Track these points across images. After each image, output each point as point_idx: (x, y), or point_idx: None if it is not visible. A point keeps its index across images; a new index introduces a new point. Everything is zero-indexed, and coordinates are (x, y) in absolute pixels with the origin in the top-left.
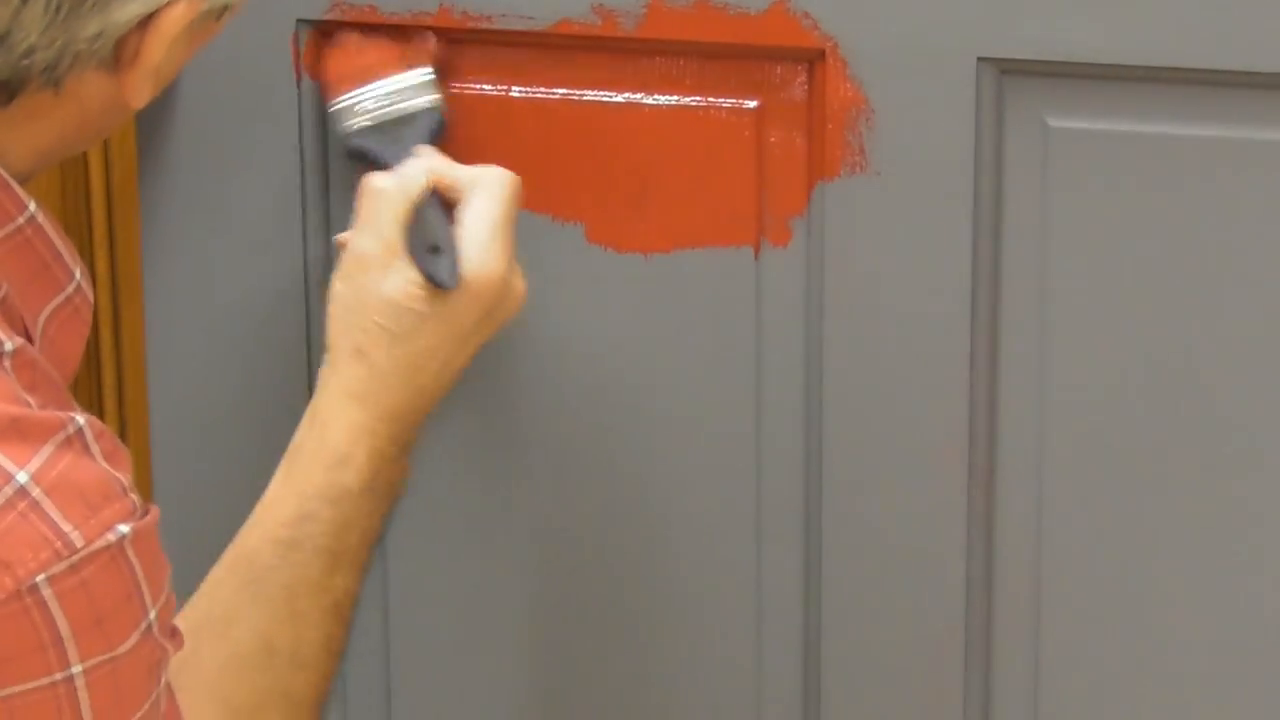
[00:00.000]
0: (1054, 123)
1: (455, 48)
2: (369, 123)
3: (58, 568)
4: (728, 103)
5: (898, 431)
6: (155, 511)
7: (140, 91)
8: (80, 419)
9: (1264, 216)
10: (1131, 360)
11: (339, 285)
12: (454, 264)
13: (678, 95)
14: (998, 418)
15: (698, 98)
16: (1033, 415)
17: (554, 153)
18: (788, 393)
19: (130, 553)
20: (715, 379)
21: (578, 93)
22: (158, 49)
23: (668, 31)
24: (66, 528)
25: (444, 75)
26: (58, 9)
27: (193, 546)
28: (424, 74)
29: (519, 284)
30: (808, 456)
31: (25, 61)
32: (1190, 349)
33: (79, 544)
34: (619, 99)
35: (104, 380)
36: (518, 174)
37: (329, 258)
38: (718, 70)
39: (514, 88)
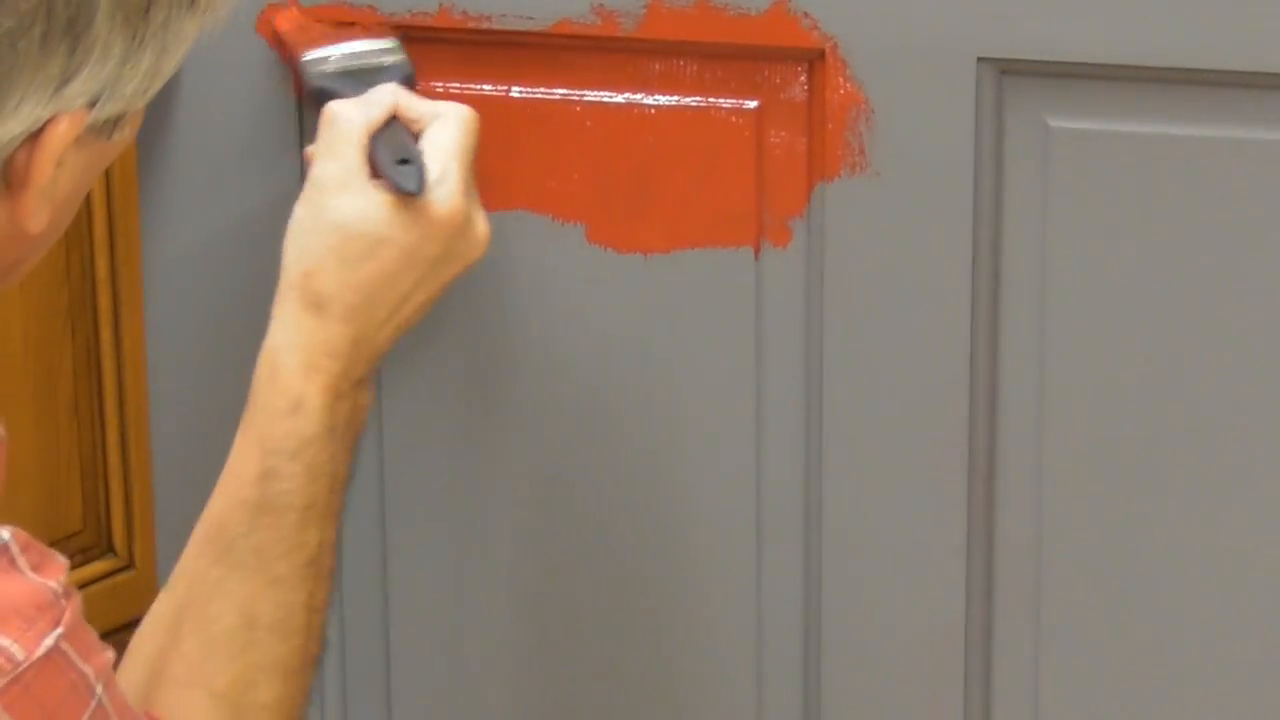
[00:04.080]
0: (1054, 123)
1: (455, 49)
2: (338, 69)
3: (1, 683)
4: (728, 103)
5: (898, 432)
6: (77, 599)
7: (36, 215)
8: (5, 533)
9: (1265, 217)
10: (1131, 360)
11: (298, 210)
12: (421, 173)
13: (678, 95)
14: (998, 418)
15: (698, 98)
16: (1032, 415)
17: (554, 153)
18: (788, 393)
19: (65, 647)
20: (715, 379)
21: (577, 93)
22: (45, 168)
23: (667, 32)
24: (5, 642)
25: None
26: None
27: None
28: (391, 41)
29: (481, 223)
30: (808, 457)
31: None
32: (1190, 349)
33: (20, 657)
34: (619, 99)
35: (104, 381)
36: (520, 173)
37: None
38: (718, 70)
39: (514, 88)
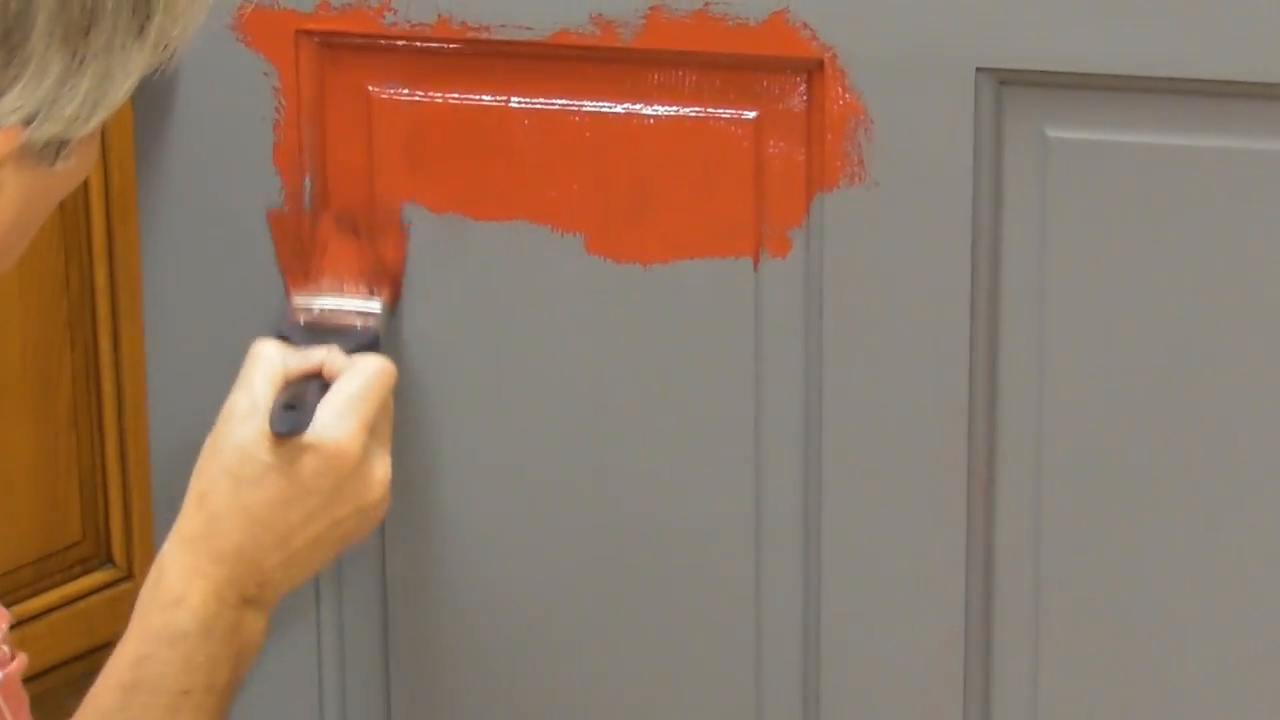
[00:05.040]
0: (1052, 133)
1: (454, 59)
2: (309, 321)
3: None
4: (727, 113)
5: (897, 442)
6: (22, 658)
7: None
8: None
9: (1262, 226)
10: (1129, 369)
11: (210, 436)
12: (299, 420)
13: (677, 106)
14: (997, 428)
15: (697, 108)
16: (1031, 425)
17: (553, 163)
18: (787, 403)
19: (0, 701)
20: (714, 389)
21: (577, 103)
22: None
23: (667, 42)
24: None
25: (397, 292)
26: None
27: None
28: (376, 305)
29: (380, 468)
30: (807, 467)
31: None
32: (1188, 358)
33: None
34: (618, 109)
35: (103, 389)
36: (519, 183)
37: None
38: (717, 81)
39: (513, 98)
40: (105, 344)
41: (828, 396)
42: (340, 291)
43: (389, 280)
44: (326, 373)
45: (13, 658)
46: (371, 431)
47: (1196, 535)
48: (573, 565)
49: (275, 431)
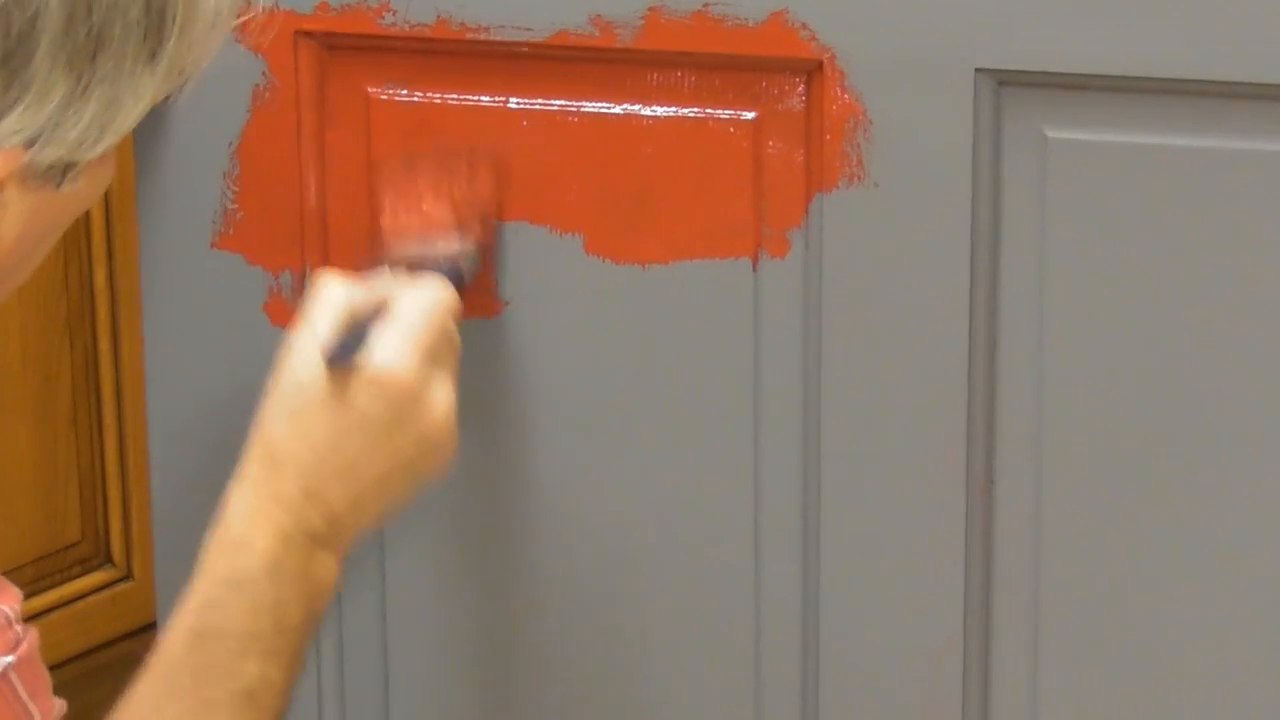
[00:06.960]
0: (1052, 134)
1: (453, 60)
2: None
3: None
4: (726, 114)
5: (896, 443)
6: (35, 634)
7: None
8: None
9: (1262, 227)
10: (1129, 372)
11: (274, 373)
12: (352, 349)
13: (676, 106)
14: (996, 429)
15: (696, 109)
16: (1030, 426)
17: (552, 164)
18: (786, 404)
19: (14, 678)
20: (713, 390)
21: (576, 104)
22: None
23: (666, 43)
24: None
25: (490, 227)
26: None
27: (190, 559)
28: (469, 245)
29: (440, 395)
30: (806, 467)
31: None
32: (1188, 360)
33: None
34: (617, 110)
35: (103, 391)
36: (518, 184)
37: (327, 267)
38: (715, 81)
39: (512, 99)
40: (105, 344)
41: (827, 397)
42: (429, 235)
43: (479, 218)
44: (390, 301)
45: (25, 635)
46: (432, 359)
47: (1196, 535)
48: (571, 565)
49: (327, 362)
